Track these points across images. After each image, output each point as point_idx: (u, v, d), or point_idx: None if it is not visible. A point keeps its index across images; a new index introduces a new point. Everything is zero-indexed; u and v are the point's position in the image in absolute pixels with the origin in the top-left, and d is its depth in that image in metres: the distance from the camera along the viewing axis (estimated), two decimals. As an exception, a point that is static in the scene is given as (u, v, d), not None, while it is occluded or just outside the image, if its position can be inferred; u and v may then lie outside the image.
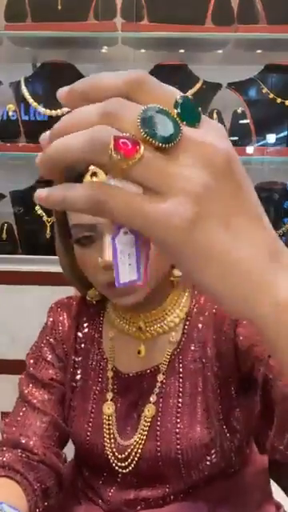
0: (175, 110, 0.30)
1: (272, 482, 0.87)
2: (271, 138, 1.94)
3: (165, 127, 0.28)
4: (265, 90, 1.91)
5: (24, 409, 0.78)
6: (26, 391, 0.79)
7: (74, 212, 0.69)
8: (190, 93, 1.86)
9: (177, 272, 0.77)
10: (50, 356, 0.82)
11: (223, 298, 0.32)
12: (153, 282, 0.72)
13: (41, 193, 0.32)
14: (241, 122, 1.94)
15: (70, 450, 0.88)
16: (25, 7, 1.91)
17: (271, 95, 1.90)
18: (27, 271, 1.75)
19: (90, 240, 0.70)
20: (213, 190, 0.30)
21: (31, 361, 0.82)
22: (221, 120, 1.94)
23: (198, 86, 1.91)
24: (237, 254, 0.31)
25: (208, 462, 0.72)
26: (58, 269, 1.87)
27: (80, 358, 0.82)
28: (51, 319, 0.86)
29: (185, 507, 0.74)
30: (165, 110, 0.29)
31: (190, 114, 0.30)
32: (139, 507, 0.76)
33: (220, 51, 2.02)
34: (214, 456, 0.72)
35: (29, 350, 0.85)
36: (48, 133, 0.32)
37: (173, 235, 0.30)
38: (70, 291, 0.92)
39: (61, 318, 0.85)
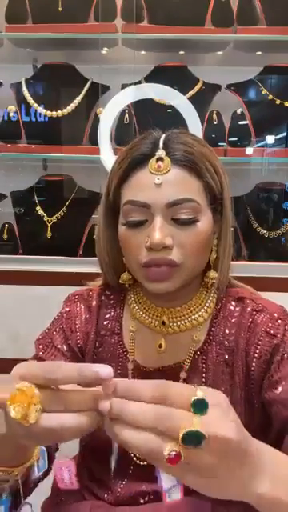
0: (192, 409, 0.44)
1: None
2: (270, 138, 1.95)
3: (196, 442, 0.43)
4: (264, 91, 1.92)
5: None
6: None
7: (129, 189, 0.75)
8: (189, 94, 1.88)
9: (212, 274, 0.79)
10: (61, 345, 0.82)
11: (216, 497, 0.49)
12: (186, 278, 0.74)
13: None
14: (240, 123, 1.95)
15: (70, 450, 0.89)
16: (25, 9, 1.92)
17: (270, 96, 1.91)
18: (28, 271, 1.76)
19: (139, 223, 0.73)
20: (220, 465, 0.45)
21: (40, 346, 0.83)
22: (220, 121, 1.95)
23: (197, 87, 1.92)
24: (230, 487, 0.48)
25: None
26: (58, 269, 1.86)
27: (99, 350, 0.83)
28: (68, 309, 0.86)
29: (190, 502, 0.74)
30: (193, 430, 0.43)
31: (200, 408, 0.44)
32: (147, 499, 0.77)
33: (220, 52, 2.02)
34: None
35: (38, 335, 0.85)
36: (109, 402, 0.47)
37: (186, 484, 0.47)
38: (70, 291, 0.93)
39: (78, 309, 0.86)
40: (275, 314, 0.78)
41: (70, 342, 0.83)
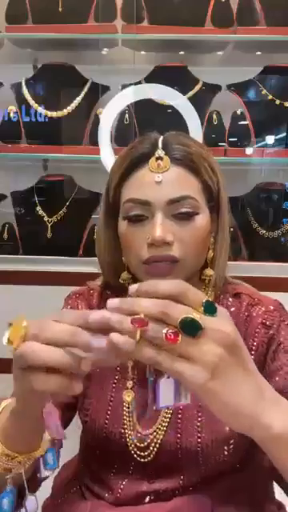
0: (201, 308, 0.48)
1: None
2: (270, 139, 1.95)
3: (193, 329, 0.47)
4: (264, 92, 1.92)
5: None
6: None
7: (130, 188, 0.77)
8: (189, 94, 1.87)
9: (208, 271, 0.81)
10: None
11: (230, 424, 0.52)
12: (186, 275, 0.76)
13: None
14: (240, 123, 1.95)
15: (70, 450, 0.89)
16: (26, 9, 1.92)
17: (270, 97, 1.91)
18: (28, 271, 1.76)
19: (140, 219, 0.76)
20: (225, 359, 0.48)
21: None
22: (220, 121, 1.95)
23: (197, 87, 1.92)
24: (239, 399, 0.50)
25: (225, 456, 0.74)
26: (58, 269, 1.86)
27: None
28: (69, 306, 0.88)
29: (190, 502, 0.75)
30: (192, 317, 0.47)
31: (210, 309, 0.49)
32: (148, 499, 0.77)
33: (219, 53, 2.03)
34: (231, 450, 0.74)
35: None
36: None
37: (196, 387, 0.48)
38: (70, 291, 0.93)
39: (79, 307, 0.87)
40: (271, 307, 0.81)
41: None
